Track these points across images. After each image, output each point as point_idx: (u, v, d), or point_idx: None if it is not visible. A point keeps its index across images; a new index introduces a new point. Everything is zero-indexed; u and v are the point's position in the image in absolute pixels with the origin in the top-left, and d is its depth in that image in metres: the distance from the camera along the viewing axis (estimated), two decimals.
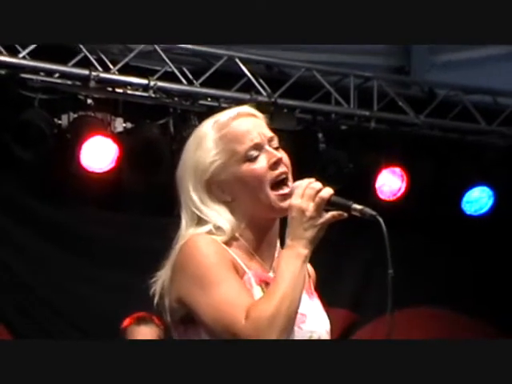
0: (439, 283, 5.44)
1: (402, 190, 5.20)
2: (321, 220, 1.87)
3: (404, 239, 5.48)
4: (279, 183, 1.94)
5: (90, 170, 4.64)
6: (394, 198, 5.20)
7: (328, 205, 1.88)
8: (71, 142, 4.64)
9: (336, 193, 1.90)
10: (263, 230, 1.96)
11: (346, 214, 1.89)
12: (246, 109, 2.00)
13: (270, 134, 1.97)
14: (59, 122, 4.71)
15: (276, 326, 1.80)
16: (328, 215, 1.88)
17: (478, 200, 5.41)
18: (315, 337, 1.93)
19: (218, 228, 1.94)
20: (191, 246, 1.90)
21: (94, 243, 4.92)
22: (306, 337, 1.91)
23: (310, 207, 1.87)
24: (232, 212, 1.95)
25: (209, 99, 4.99)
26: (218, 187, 1.95)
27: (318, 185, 1.90)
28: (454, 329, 5.62)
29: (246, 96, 4.95)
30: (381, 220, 1.86)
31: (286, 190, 1.93)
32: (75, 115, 4.71)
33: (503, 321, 5.62)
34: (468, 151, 5.46)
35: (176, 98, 4.92)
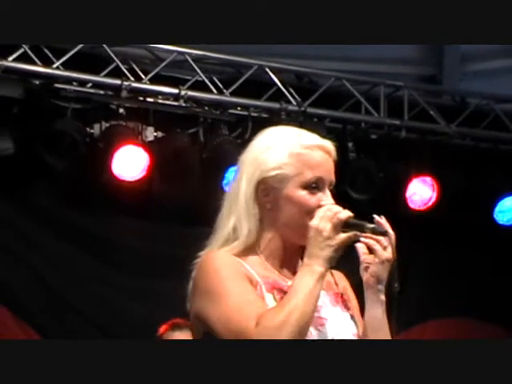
0: (471, 294, 5.38)
1: (433, 199, 5.17)
2: (337, 240, 1.94)
3: (435, 249, 5.45)
4: None
5: (121, 178, 4.68)
6: (425, 207, 5.16)
7: (346, 227, 1.95)
8: (103, 150, 4.68)
9: (355, 216, 1.97)
10: (286, 248, 2.01)
11: (360, 234, 1.96)
12: (329, 145, 2.05)
13: (333, 178, 2.05)
14: (91, 131, 4.75)
15: (284, 335, 1.84)
16: (344, 236, 1.95)
17: (511, 209, 5.36)
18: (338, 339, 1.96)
19: (235, 230, 1.98)
20: (205, 262, 1.96)
21: (124, 251, 4.95)
22: (328, 338, 1.94)
23: (327, 227, 1.94)
24: (262, 220, 1.99)
25: (238, 108, 5.01)
26: (264, 190, 2.00)
27: (337, 208, 1.97)
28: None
29: (276, 105, 4.96)
30: (392, 236, 1.96)
31: None
32: (107, 124, 4.75)
33: None
34: (500, 160, 5.41)
35: (206, 108, 4.95)
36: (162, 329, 4.11)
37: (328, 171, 2.02)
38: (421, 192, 5.17)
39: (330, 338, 1.94)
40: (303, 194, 1.99)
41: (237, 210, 1.99)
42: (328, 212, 1.95)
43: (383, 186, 5.00)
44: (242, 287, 1.92)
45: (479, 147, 5.41)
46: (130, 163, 4.66)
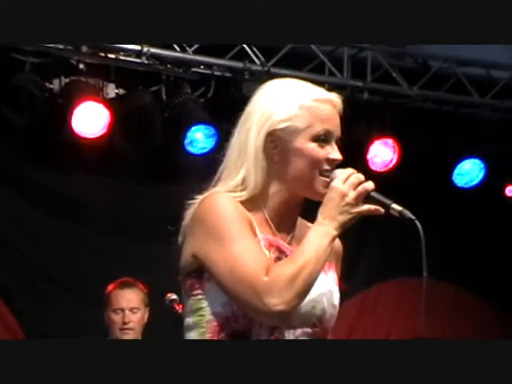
0: (428, 254, 5.46)
1: (394, 161, 5.21)
2: (357, 209, 1.92)
3: None
4: (327, 176, 1.98)
5: (82, 135, 4.63)
6: (386, 169, 5.21)
7: (366, 198, 1.93)
8: (62, 106, 4.62)
9: (375, 188, 1.94)
10: (289, 202, 1.99)
11: (382, 211, 1.94)
12: (337, 100, 2.03)
13: (340, 133, 2.03)
14: (50, 86, 4.67)
15: (294, 287, 1.84)
16: (365, 207, 1.92)
17: (469, 172, 5.42)
18: (318, 308, 1.95)
19: (243, 182, 1.96)
20: (210, 200, 1.92)
21: (85, 208, 4.92)
22: (308, 307, 1.93)
23: (350, 194, 1.91)
24: (269, 172, 1.97)
25: (202, 67, 4.97)
26: (273, 141, 1.97)
27: (362, 176, 1.94)
28: (443, 297, 5.68)
29: (240, 64, 4.93)
30: (419, 225, 1.93)
31: (328, 180, 1.97)
32: (67, 80, 4.68)
33: (489, 288, 5.69)
34: (460, 124, 5.46)
35: (169, 65, 4.89)
36: (110, 287, 4.12)
37: (336, 125, 2.01)
38: (382, 154, 5.20)
39: (311, 305, 1.93)
40: (313, 146, 1.96)
41: (246, 161, 1.96)
42: (354, 178, 1.93)
43: (345, 148, 5.01)
44: (247, 234, 1.89)
45: (441, 110, 5.44)
46: (90, 120, 4.61)
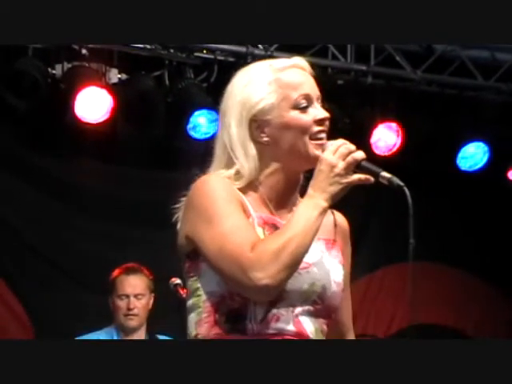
0: (431, 238, 5.46)
1: (398, 145, 5.19)
2: (347, 179, 1.90)
3: (398, 195, 5.49)
4: (319, 138, 1.96)
5: (84, 120, 4.61)
6: (390, 153, 5.19)
7: (357, 168, 1.91)
8: (65, 92, 4.61)
9: (365, 157, 1.92)
10: (287, 180, 1.98)
11: (372, 180, 1.92)
12: (302, 62, 2.01)
13: (318, 92, 2.00)
14: (53, 71, 4.66)
15: (279, 261, 1.83)
16: (355, 177, 1.91)
17: (473, 156, 5.41)
18: (318, 285, 1.94)
19: (237, 173, 1.95)
20: (202, 182, 1.93)
21: (86, 193, 4.92)
22: (305, 283, 1.92)
23: (339, 164, 1.89)
24: (262, 157, 1.96)
25: (204, 52, 4.95)
26: (258, 127, 1.96)
27: (352, 146, 1.92)
28: (446, 279, 5.69)
29: (243, 49, 4.91)
30: (407, 191, 1.90)
31: (323, 142, 1.96)
32: (69, 65, 4.67)
33: (494, 273, 5.68)
34: (464, 107, 5.43)
35: (171, 50, 4.87)
36: (116, 272, 4.13)
37: (310, 86, 1.98)
38: (386, 138, 5.18)
39: (309, 282, 1.92)
40: (295, 114, 1.95)
41: (236, 156, 1.95)
42: (343, 149, 1.91)
43: (348, 132, 5.00)
44: (237, 212, 1.89)
45: (444, 93, 5.42)
46: (93, 105, 4.59)
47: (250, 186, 1.97)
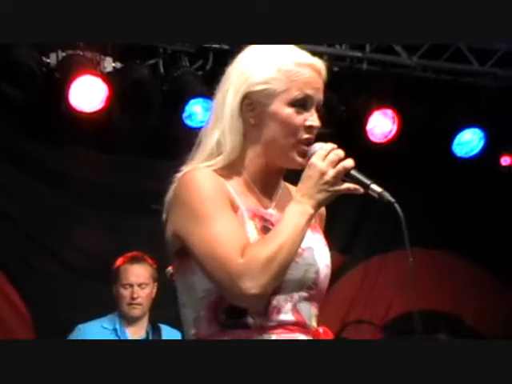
0: (427, 224, 5.47)
1: (394, 132, 5.19)
2: (336, 188, 1.89)
3: (394, 181, 5.50)
4: (304, 144, 1.94)
5: (79, 109, 4.60)
6: (385, 140, 5.18)
7: (346, 176, 1.89)
8: (60, 81, 4.59)
9: (355, 166, 1.90)
10: (268, 168, 1.97)
11: (361, 190, 1.90)
12: (320, 65, 1.99)
13: (322, 98, 1.98)
14: (47, 60, 4.64)
15: (270, 270, 1.81)
16: (344, 186, 1.89)
17: (469, 142, 5.41)
18: (313, 270, 1.94)
19: (218, 145, 1.92)
20: (188, 178, 1.90)
21: (83, 182, 4.92)
22: (301, 271, 1.92)
23: (329, 172, 1.88)
24: (246, 137, 1.94)
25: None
26: (249, 105, 1.94)
27: (342, 153, 1.90)
28: (444, 266, 5.70)
29: None
30: (398, 208, 1.87)
31: (306, 149, 1.94)
32: (64, 54, 4.65)
33: (491, 260, 5.70)
34: (460, 93, 5.43)
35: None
36: (119, 261, 4.12)
37: (316, 90, 1.95)
38: (381, 125, 5.18)
39: (304, 269, 1.92)
40: (289, 111, 1.92)
41: (221, 123, 1.94)
42: (333, 155, 1.88)
43: (344, 119, 4.99)
44: (225, 212, 1.86)
45: (440, 80, 5.41)
46: (88, 94, 4.58)
47: (232, 170, 1.95)
